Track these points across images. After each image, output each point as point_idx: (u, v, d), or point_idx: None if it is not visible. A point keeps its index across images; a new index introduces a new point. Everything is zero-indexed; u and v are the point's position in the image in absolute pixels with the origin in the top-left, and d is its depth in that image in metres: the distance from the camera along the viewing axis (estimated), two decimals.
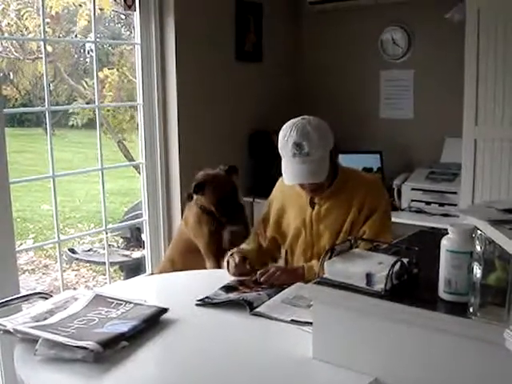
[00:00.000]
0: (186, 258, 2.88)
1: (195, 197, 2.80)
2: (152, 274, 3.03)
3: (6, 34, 6.63)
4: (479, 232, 1.33)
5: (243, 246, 2.51)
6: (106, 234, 3.71)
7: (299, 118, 2.27)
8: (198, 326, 1.91)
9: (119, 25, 9.20)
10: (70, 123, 7.59)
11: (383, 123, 4.12)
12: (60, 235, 3.36)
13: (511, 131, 3.04)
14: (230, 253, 2.43)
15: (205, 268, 2.77)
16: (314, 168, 2.22)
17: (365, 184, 2.39)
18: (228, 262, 2.37)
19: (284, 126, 2.28)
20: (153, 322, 1.85)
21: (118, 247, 7.05)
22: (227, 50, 3.92)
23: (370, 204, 2.32)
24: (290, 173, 2.26)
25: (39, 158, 9.16)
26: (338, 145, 2.34)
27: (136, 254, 6.47)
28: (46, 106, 3.20)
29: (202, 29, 3.68)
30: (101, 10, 5.16)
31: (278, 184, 2.54)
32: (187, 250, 2.90)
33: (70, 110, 7.41)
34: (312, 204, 2.39)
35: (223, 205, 2.77)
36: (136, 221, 4.61)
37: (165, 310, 1.91)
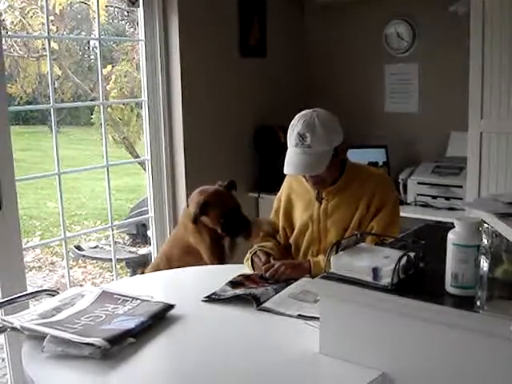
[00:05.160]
0: (185, 259, 2.84)
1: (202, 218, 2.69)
2: (143, 272, 2.95)
3: (11, 33, 6.65)
4: (486, 225, 1.33)
5: (262, 243, 2.49)
6: (112, 230, 3.72)
7: (310, 110, 2.27)
8: (205, 322, 1.91)
9: (123, 21, 9.22)
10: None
11: (388, 117, 4.11)
12: (66, 232, 3.37)
13: None
14: (252, 251, 2.41)
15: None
16: (313, 160, 2.21)
17: (373, 179, 2.37)
18: (252, 261, 2.37)
19: (295, 116, 2.28)
20: (159, 319, 1.85)
21: (124, 244, 7.08)
22: (231, 45, 3.91)
23: (379, 200, 2.31)
24: (289, 162, 2.26)
25: (45, 156, 9.19)
26: (347, 141, 2.33)
27: (142, 251, 6.50)
28: (51, 103, 3.21)
29: (206, 24, 3.68)
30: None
31: (286, 178, 2.54)
32: (186, 252, 2.86)
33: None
34: (319, 199, 2.38)
35: (229, 220, 2.67)
36: (142, 217, 4.62)
37: (171, 306, 1.91)
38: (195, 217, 2.66)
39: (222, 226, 2.67)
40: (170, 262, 2.83)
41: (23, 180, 3.38)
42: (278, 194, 2.58)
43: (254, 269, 2.35)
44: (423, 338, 1.43)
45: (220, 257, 2.76)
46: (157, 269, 2.82)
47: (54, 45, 6.66)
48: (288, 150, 2.28)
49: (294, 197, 2.48)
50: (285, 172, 2.29)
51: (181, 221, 2.94)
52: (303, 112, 2.27)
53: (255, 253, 2.40)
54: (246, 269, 2.39)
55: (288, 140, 2.28)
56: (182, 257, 2.82)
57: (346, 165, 2.37)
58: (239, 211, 2.72)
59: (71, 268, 6.05)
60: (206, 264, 2.72)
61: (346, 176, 2.35)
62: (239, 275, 2.25)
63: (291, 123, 2.27)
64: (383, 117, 4.13)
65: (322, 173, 2.25)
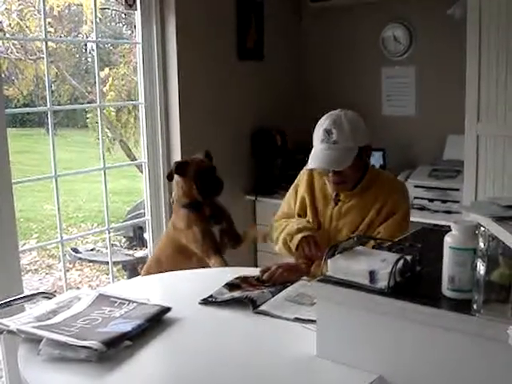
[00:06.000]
0: (174, 260, 2.85)
1: (175, 179, 2.81)
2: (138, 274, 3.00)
3: (8, 35, 6.64)
4: (482, 229, 1.33)
5: (304, 224, 2.44)
6: (109, 233, 3.71)
7: (338, 110, 2.32)
8: (201, 325, 1.91)
9: (120, 24, 9.22)
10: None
11: (385, 120, 4.11)
12: (63, 235, 3.37)
13: None
14: (303, 234, 2.35)
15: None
16: (338, 156, 2.23)
17: (389, 187, 2.40)
18: (301, 246, 2.34)
19: (323, 116, 2.33)
20: (156, 322, 1.85)
21: (121, 246, 7.06)
22: (229, 48, 3.91)
23: (391, 206, 2.32)
24: (314, 158, 2.28)
25: (42, 158, 9.17)
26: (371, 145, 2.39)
27: (139, 253, 6.47)
28: (48, 105, 3.20)
29: (204, 27, 3.68)
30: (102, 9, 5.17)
31: (304, 174, 2.53)
32: (175, 252, 2.87)
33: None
34: (336, 201, 2.41)
35: (203, 178, 2.79)
36: (138, 220, 4.61)
37: (168, 309, 1.91)
38: (170, 173, 2.82)
39: (197, 186, 2.77)
40: (160, 263, 2.84)
41: (20, 183, 3.37)
42: (295, 183, 2.58)
43: (296, 250, 2.35)
44: (420, 341, 1.43)
45: (213, 247, 2.77)
46: (148, 271, 2.83)
47: (52, 46, 6.66)
48: (313, 148, 2.31)
49: (314, 192, 2.48)
50: (310, 167, 2.32)
51: (171, 221, 2.97)
52: (331, 112, 2.32)
53: (307, 237, 2.34)
54: (279, 249, 2.43)
55: (314, 137, 2.31)
56: (172, 257, 2.84)
57: (367, 169, 2.39)
58: (215, 173, 2.84)
59: (68, 271, 6.04)
60: (197, 263, 2.72)
61: (366, 181, 2.37)
62: (236, 277, 2.25)
63: (318, 122, 2.31)
64: (380, 120, 4.13)
65: (345, 171, 2.27)
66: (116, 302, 1.96)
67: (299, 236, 2.35)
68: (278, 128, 4.00)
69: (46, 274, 6.53)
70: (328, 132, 2.24)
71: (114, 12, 8.29)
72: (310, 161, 2.30)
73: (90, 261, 6.56)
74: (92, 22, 4.29)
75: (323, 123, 2.28)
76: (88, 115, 7.33)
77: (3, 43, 6.93)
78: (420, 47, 3.92)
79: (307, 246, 2.34)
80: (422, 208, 3.57)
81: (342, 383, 1.53)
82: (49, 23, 6.09)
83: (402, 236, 2.05)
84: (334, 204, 2.41)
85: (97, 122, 7.05)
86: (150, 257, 3.02)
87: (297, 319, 1.87)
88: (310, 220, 2.47)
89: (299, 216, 2.52)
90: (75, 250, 6.61)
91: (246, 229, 3.10)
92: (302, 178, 2.55)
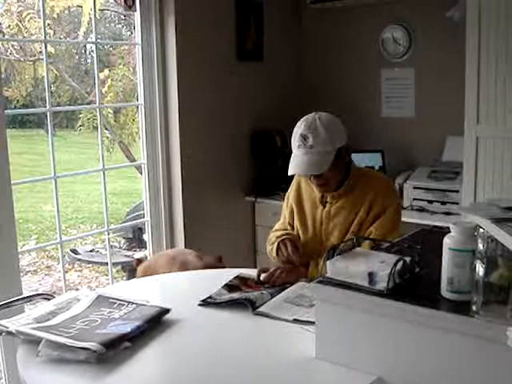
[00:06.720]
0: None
1: None
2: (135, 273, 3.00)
3: (7, 36, 6.64)
4: (481, 230, 1.33)
5: (289, 231, 2.49)
6: (108, 234, 3.72)
7: (312, 113, 2.31)
8: (201, 326, 1.91)
9: (120, 25, 9.23)
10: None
11: (384, 122, 4.11)
12: (62, 236, 3.36)
13: None
14: (280, 238, 2.40)
15: None
16: (315, 160, 2.23)
17: (376, 184, 2.39)
18: (279, 248, 2.38)
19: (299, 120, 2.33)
20: (155, 323, 1.85)
21: (120, 248, 7.06)
22: (228, 49, 3.91)
23: (380, 204, 2.32)
24: (293, 163, 2.29)
25: (41, 160, 9.18)
26: (351, 145, 2.37)
27: (138, 255, 6.47)
28: (48, 107, 3.20)
29: (203, 28, 3.68)
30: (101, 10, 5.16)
31: (295, 178, 2.56)
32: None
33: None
34: (323, 203, 2.40)
35: None
36: (138, 221, 4.62)
37: (167, 311, 1.91)
38: None
39: None
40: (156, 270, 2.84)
41: (19, 183, 3.37)
42: (287, 192, 2.60)
43: (277, 255, 2.39)
44: (419, 342, 1.43)
45: None
46: (145, 272, 2.81)
47: (51, 49, 6.66)
48: (292, 154, 2.31)
49: (301, 200, 2.50)
50: (289, 173, 2.32)
51: (178, 252, 2.94)
52: (306, 115, 2.31)
53: (283, 240, 2.39)
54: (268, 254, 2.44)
55: (292, 143, 2.31)
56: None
57: (350, 169, 2.39)
58: None
59: (67, 272, 6.04)
60: None
61: (351, 180, 2.36)
62: (235, 277, 2.26)
63: (294, 127, 2.31)
64: (379, 121, 4.13)
65: (325, 174, 2.26)
66: (115, 304, 1.96)
67: (277, 241, 2.40)
68: (278, 129, 4.00)
69: (45, 275, 6.53)
70: (304, 137, 2.24)
71: (113, 13, 8.30)
72: (289, 167, 2.30)
73: (90, 262, 6.56)
74: (91, 24, 4.29)
75: (299, 128, 2.28)
76: (80, 119, 7.32)
77: (2, 44, 6.93)
78: (419, 49, 3.92)
79: (284, 247, 2.36)
80: (421, 209, 3.57)
81: None
82: (48, 25, 6.09)
83: (400, 237, 2.06)
84: (323, 206, 2.41)
85: (89, 123, 7.06)
86: (150, 258, 3.01)
87: (296, 320, 1.87)
88: (298, 226, 2.48)
89: (290, 224, 2.54)
90: (74, 251, 6.61)
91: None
92: (292, 183, 2.57)
